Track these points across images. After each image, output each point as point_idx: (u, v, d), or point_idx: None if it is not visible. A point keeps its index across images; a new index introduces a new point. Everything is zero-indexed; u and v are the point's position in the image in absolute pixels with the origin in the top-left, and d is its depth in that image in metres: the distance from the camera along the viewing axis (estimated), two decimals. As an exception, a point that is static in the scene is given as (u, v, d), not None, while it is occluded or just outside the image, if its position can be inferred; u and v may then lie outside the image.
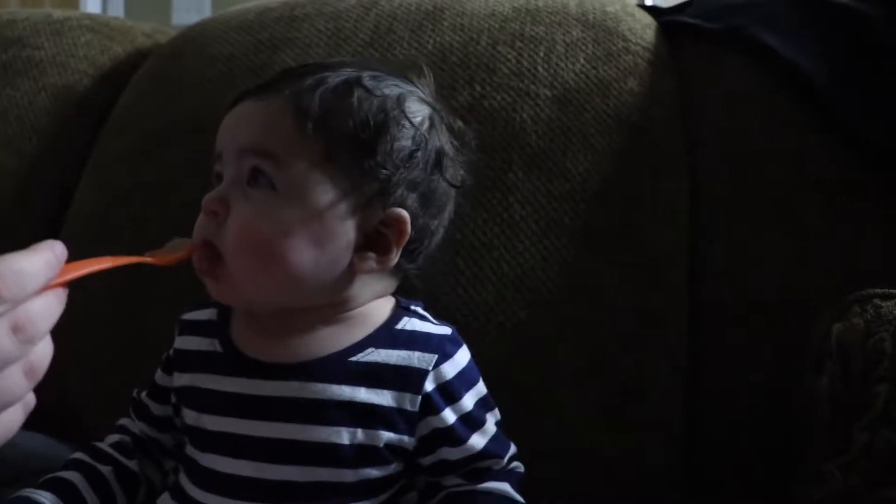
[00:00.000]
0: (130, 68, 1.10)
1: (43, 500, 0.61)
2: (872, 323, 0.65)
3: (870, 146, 0.79)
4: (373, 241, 0.61)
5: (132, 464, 0.67)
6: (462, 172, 0.68)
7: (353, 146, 0.59)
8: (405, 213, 0.61)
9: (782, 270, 0.79)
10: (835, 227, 0.79)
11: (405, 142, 0.61)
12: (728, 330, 0.79)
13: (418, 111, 0.64)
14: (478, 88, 0.85)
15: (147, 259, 0.58)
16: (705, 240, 0.82)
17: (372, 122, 0.60)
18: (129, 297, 0.89)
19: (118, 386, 0.76)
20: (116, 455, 0.67)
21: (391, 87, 0.63)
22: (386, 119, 0.60)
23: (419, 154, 0.62)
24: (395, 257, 0.61)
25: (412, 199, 0.62)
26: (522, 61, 0.86)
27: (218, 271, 0.59)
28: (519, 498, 0.62)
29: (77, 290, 0.91)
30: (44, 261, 0.43)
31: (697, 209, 0.83)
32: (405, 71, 0.69)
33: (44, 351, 0.46)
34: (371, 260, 0.61)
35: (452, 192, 0.67)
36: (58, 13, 1.18)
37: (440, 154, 0.64)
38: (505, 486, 0.62)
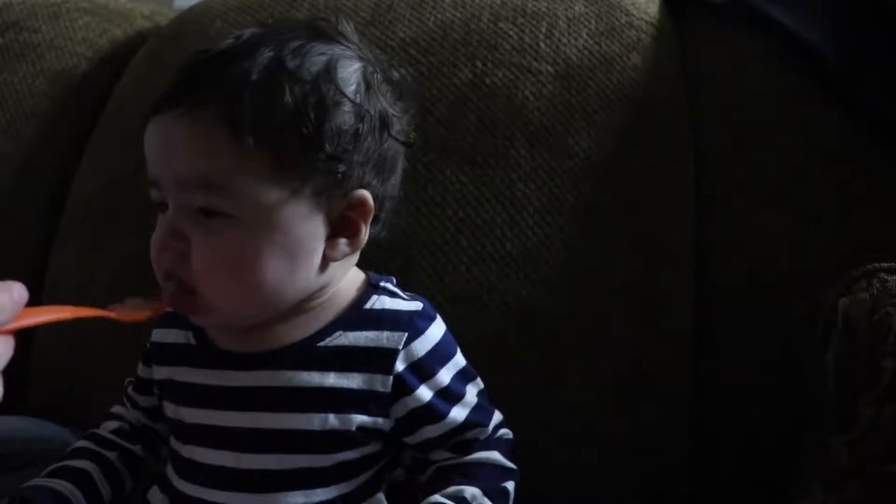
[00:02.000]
0: (129, 51, 1.09)
1: (61, 488, 0.61)
2: (879, 297, 0.65)
3: (877, 119, 0.78)
4: (340, 225, 0.59)
5: (137, 448, 0.67)
6: (406, 125, 0.63)
7: (299, 144, 0.55)
8: (366, 193, 0.58)
9: (788, 245, 0.79)
10: (841, 201, 0.79)
11: (348, 120, 0.57)
12: (734, 305, 0.79)
13: (351, 76, 0.59)
14: (479, 65, 0.84)
15: (110, 314, 0.55)
16: (710, 215, 0.81)
17: (312, 114, 0.55)
18: (130, 275, 0.88)
19: (123, 371, 0.76)
20: (119, 440, 0.67)
21: (316, 59, 0.58)
22: (324, 103, 0.56)
23: (364, 127, 0.58)
24: (365, 235, 0.60)
25: (368, 174, 0.59)
26: (524, 37, 0.85)
27: (196, 304, 0.57)
28: (510, 464, 0.62)
29: (77, 274, 0.91)
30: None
31: (702, 184, 0.82)
32: (317, 23, 0.63)
33: None
34: (343, 245, 0.59)
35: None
36: (55, -4, 1.17)
37: (384, 116, 0.60)
38: (494, 455, 0.62)
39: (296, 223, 0.56)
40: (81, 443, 0.67)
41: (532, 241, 0.78)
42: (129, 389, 0.70)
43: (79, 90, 1.07)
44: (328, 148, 0.56)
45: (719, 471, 0.78)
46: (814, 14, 0.85)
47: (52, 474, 0.63)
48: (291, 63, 0.56)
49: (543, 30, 0.86)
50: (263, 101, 0.54)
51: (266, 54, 0.56)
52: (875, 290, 0.65)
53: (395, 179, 0.63)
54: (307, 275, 0.58)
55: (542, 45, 0.85)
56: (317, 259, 0.58)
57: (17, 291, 0.44)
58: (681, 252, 0.80)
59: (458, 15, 0.88)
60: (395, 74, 0.64)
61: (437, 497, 0.57)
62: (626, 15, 0.88)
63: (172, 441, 0.63)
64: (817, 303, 0.69)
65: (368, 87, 0.60)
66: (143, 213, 0.89)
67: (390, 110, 0.61)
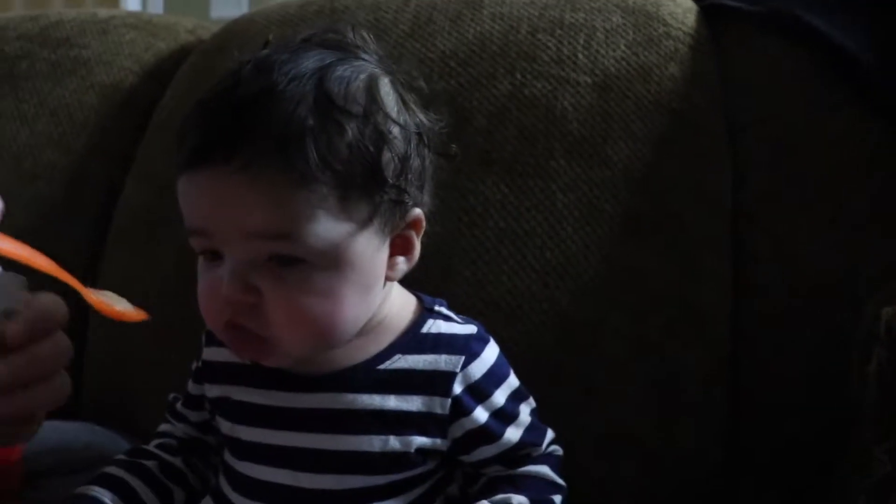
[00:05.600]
0: (174, 64, 1.12)
1: (104, 499, 0.63)
2: (921, 307, 0.64)
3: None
4: (397, 245, 0.59)
5: (177, 461, 0.68)
6: (440, 131, 0.63)
7: (363, 179, 0.54)
8: (420, 212, 0.59)
9: (826, 256, 0.78)
10: (881, 210, 0.78)
11: (400, 145, 0.57)
12: (771, 316, 0.79)
13: (388, 96, 0.58)
14: (518, 77, 0.85)
15: (80, 288, 0.52)
16: (748, 226, 0.81)
17: (372, 147, 0.55)
18: (178, 283, 0.90)
19: (170, 376, 0.78)
20: (160, 453, 0.68)
21: (356, 86, 0.56)
22: (380, 134, 0.55)
23: (411, 147, 0.58)
24: (418, 250, 0.60)
25: (416, 192, 0.59)
26: (563, 49, 0.86)
27: (266, 350, 0.56)
28: (559, 480, 0.63)
29: (126, 283, 0.94)
30: None
31: (740, 195, 0.82)
32: (330, 38, 0.61)
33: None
34: (401, 263, 0.60)
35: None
36: (103, 12, 1.20)
37: (422, 132, 0.59)
38: (544, 469, 0.63)
39: (367, 257, 0.56)
40: (119, 457, 0.68)
41: (571, 251, 0.79)
42: (178, 405, 0.71)
43: (126, 103, 1.10)
44: (390, 177, 0.56)
45: (757, 483, 0.78)
46: (852, 22, 0.85)
47: (93, 481, 0.64)
48: (339, 98, 0.54)
49: (581, 41, 0.87)
50: (326, 145, 0.53)
51: (307, 90, 0.54)
52: (917, 300, 0.65)
53: (431, 186, 0.62)
54: (376, 303, 0.59)
55: (580, 56, 0.86)
56: (381, 282, 0.59)
57: None
58: (718, 262, 0.80)
59: (497, 27, 0.89)
60: (413, 73, 0.63)
61: (485, 502, 0.59)
62: (664, 25, 0.88)
63: (227, 455, 0.64)
64: (858, 313, 0.69)
65: (404, 102, 0.59)
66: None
67: (426, 122, 0.60)
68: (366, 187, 0.55)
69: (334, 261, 0.54)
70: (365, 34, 0.62)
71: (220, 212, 0.54)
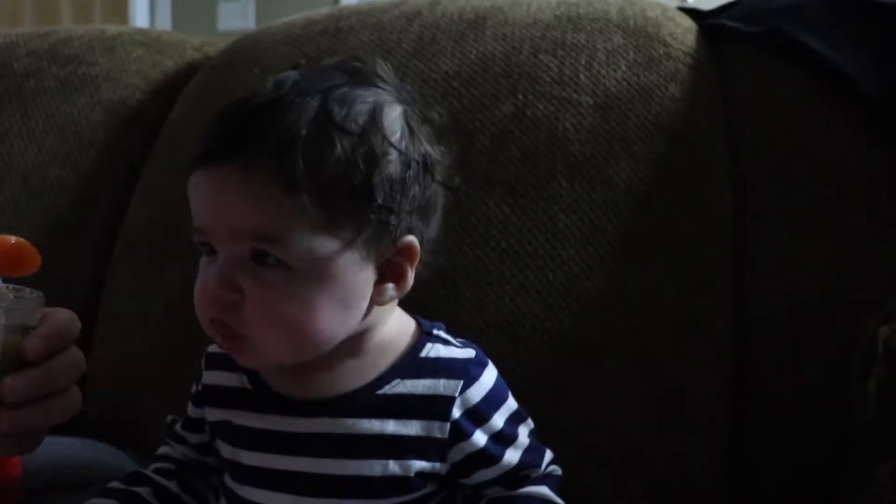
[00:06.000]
0: (181, 81, 1.13)
1: None
2: (919, 325, 0.65)
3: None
4: (387, 271, 0.59)
5: (171, 484, 0.68)
6: (449, 165, 0.63)
7: (351, 196, 0.56)
8: (413, 239, 0.59)
9: (828, 274, 0.79)
10: (880, 230, 0.79)
11: (396, 169, 0.58)
12: (774, 334, 0.80)
13: (395, 122, 0.59)
14: (521, 97, 0.86)
15: None
16: (750, 244, 0.82)
17: (362, 166, 0.56)
18: (184, 300, 0.91)
19: (175, 393, 0.78)
20: (155, 477, 0.68)
21: (361, 107, 0.58)
22: (373, 154, 0.56)
23: (410, 173, 0.58)
24: (411, 279, 0.60)
25: (414, 219, 0.60)
26: (564, 69, 0.87)
27: (242, 346, 0.58)
28: (558, 500, 0.63)
29: (131, 299, 0.95)
30: None
31: (741, 213, 0.83)
32: (353, 66, 0.63)
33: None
34: (390, 290, 0.60)
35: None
36: (111, 29, 1.21)
37: (427, 160, 0.60)
38: (543, 490, 0.63)
39: (349, 273, 0.57)
40: (113, 484, 0.68)
41: (574, 271, 0.79)
42: (177, 427, 0.71)
43: (133, 120, 1.11)
44: (379, 198, 0.56)
45: (761, 497, 0.78)
46: (850, 43, 0.85)
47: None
48: (338, 114, 0.56)
49: (583, 62, 0.88)
50: (314, 156, 0.55)
51: (312, 105, 0.56)
52: (915, 318, 0.66)
53: (437, 220, 0.63)
54: (355, 321, 0.59)
55: (581, 76, 0.87)
56: (365, 304, 0.59)
57: None
58: (720, 281, 0.80)
59: (500, 48, 0.90)
60: (435, 114, 0.64)
61: None
62: (664, 46, 0.89)
63: (227, 479, 0.65)
64: (858, 330, 0.70)
65: (411, 132, 0.60)
66: (192, 241, 0.93)
67: (433, 153, 0.61)
68: (352, 204, 0.56)
69: (314, 270, 0.56)
70: (386, 66, 0.63)
71: (215, 209, 0.57)
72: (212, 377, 0.67)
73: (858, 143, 0.82)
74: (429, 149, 0.61)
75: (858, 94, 0.82)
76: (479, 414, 0.61)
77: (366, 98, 0.59)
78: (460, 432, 0.60)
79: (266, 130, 0.56)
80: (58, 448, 0.78)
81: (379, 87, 0.61)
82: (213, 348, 0.67)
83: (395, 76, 0.64)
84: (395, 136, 0.59)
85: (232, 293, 0.56)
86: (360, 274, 0.58)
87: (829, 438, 0.75)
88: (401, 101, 0.61)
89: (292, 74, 0.60)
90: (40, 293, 0.57)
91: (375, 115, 0.58)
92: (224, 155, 0.56)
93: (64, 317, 0.57)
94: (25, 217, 1.04)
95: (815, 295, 0.79)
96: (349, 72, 0.61)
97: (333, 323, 0.58)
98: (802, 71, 0.86)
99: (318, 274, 0.56)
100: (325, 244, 0.56)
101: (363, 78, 0.61)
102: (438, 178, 0.61)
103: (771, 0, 0.96)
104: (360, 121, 0.57)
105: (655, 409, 0.77)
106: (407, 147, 0.59)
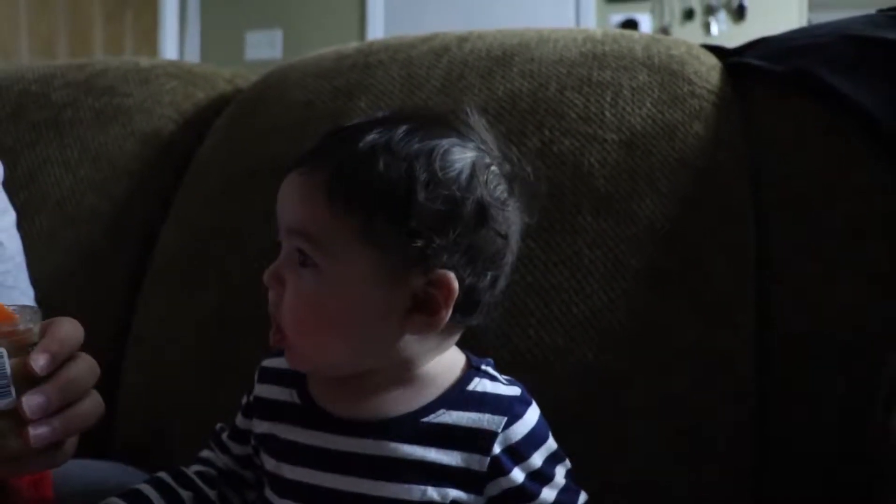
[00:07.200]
0: (212, 113, 1.16)
1: None
2: (943, 362, 0.65)
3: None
4: (421, 301, 0.60)
5: (212, 494, 0.70)
6: (522, 215, 0.65)
7: (386, 215, 0.58)
8: (450, 275, 0.59)
9: (850, 310, 0.79)
10: (903, 264, 0.80)
11: (437, 201, 0.59)
12: (796, 369, 0.80)
13: (456, 162, 0.60)
14: (547, 133, 0.88)
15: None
16: (772, 278, 0.83)
17: (401, 188, 0.58)
18: (213, 327, 0.94)
19: (204, 416, 0.80)
20: (199, 482, 0.70)
21: (425, 143, 0.60)
22: (412, 179, 0.58)
23: (457, 213, 0.59)
24: (445, 317, 0.60)
25: (456, 258, 0.60)
26: (590, 106, 0.89)
27: (286, 343, 0.62)
28: None
29: (162, 326, 0.96)
30: None
31: (764, 250, 0.83)
32: (446, 116, 0.66)
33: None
34: (419, 321, 0.60)
35: (511, 238, 0.64)
36: (145, 62, 1.25)
37: (483, 206, 0.60)
38: None
39: (372, 289, 0.59)
40: (161, 474, 0.70)
41: (597, 305, 0.80)
42: (224, 436, 0.73)
43: (165, 151, 1.13)
44: (413, 223, 0.58)
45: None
46: (873, 81, 0.86)
47: (120, 495, 0.67)
48: (398, 143, 0.60)
49: (608, 99, 0.89)
50: (356, 170, 0.59)
51: (383, 132, 0.61)
52: (939, 356, 0.66)
53: (498, 269, 0.63)
54: (379, 339, 0.61)
55: (607, 113, 0.88)
56: (390, 327, 0.60)
57: None
58: (742, 315, 0.81)
59: (527, 84, 0.92)
60: (510, 168, 0.65)
61: None
62: (689, 84, 0.91)
63: (267, 491, 0.66)
64: (880, 366, 0.70)
65: (473, 175, 0.61)
66: (224, 269, 0.96)
67: (493, 202, 0.61)
68: (386, 223, 0.59)
69: (339, 278, 0.59)
70: (480, 118, 0.66)
71: (281, 208, 0.63)
72: (263, 390, 0.69)
73: (881, 180, 0.83)
74: (488, 197, 0.61)
75: (881, 132, 0.83)
76: (519, 452, 0.62)
77: (435, 136, 0.62)
78: (499, 468, 0.61)
79: (336, 147, 0.62)
80: (88, 471, 0.79)
81: (462, 133, 0.64)
82: (267, 362, 0.70)
83: (492, 138, 0.66)
84: (449, 174, 0.60)
85: (279, 286, 0.61)
86: (383, 294, 0.60)
87: (850, 473, 0.75)
88: (479, 149, 0.63)
89: (396, 111, 0.65)
90: (36, 307, 0.59)
91: (434, 151, 0.60)
92: (301, 162, 0.62)
93: (65, 326, 0.59)
94: (59, 244, 1.06)
95: (837, 330, 0.79)
96: (439, 118, 0.66)
97: (347, 331, 0.60)
98: (825, 109, 0.87)
99: (342, 281, 0.59)
100: (355, 255, 0.59)
101: (448, 125, 0.64)
102: (494, 226, 0.61)
103: (794, 38, 0.97)
104: (414, 149, 0.60)
105: (677, 441, 0.78)
106: (459, 187, 0.60)
